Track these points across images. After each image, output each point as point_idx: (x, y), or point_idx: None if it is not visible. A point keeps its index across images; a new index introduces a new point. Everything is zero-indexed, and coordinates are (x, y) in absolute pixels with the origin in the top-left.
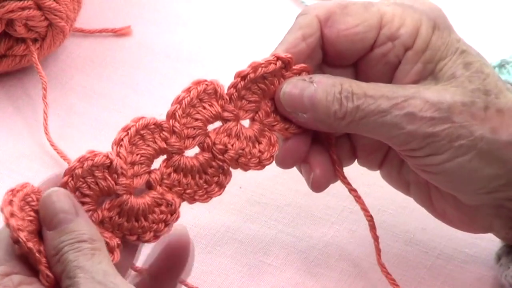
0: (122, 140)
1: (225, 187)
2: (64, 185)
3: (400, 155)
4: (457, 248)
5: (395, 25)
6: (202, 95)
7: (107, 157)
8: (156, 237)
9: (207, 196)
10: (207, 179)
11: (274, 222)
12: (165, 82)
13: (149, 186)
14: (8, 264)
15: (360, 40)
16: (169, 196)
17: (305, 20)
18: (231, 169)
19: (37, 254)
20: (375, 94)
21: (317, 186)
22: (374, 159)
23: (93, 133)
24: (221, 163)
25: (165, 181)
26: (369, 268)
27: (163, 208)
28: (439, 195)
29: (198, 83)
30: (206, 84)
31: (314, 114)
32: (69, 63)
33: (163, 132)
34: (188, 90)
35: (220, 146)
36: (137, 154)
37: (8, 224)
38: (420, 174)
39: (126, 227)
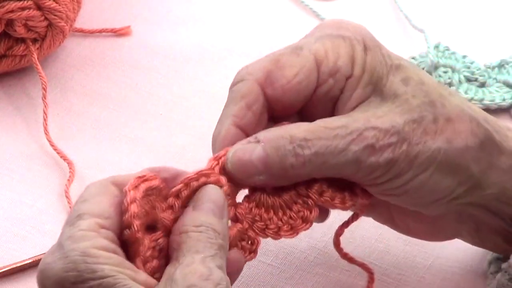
0: (213, 168)
1: (311, 222)
2: (175, 193)
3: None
4: (457, 248)
5: (331, 59)
6: None
7: (219, 181)
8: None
9: (293, 231)
10: (291, 215)
11: None
12: (165, 82)
13: (234, 219)
14: (107, 221)
15: (305, 87)
16: (252, 234)
17: (245, 88)
18: None
19: (141, 247)
20: (328, 134)
21: None
22: None
23: (93, 133)
24: (306, 199)
25: (248, 215)
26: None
27: (244, 243)
28: (399, 212)
29: None
30: None
31: (270, 174)
32: (69, 63)
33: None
34: None
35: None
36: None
37: (127, 209)
38: (381, 198)
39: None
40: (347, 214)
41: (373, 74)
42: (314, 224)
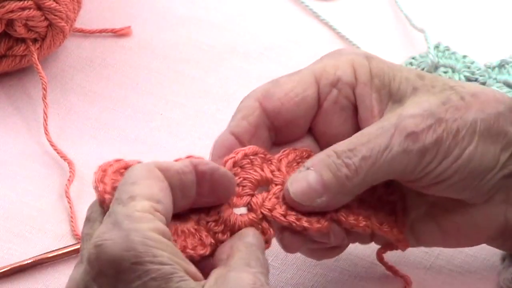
0: (227, 161)
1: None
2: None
3: (412, 188)
4: (457, 248)
5: (331, 71)
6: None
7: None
8: None
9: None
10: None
11: None
12: (165, 82)
13: (249, 209)
14: (158, 205)
15: (302, 100)
16: (266, 224)
17: (243, 104)
18: None
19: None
20: (369, 139)
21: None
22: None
23: (93, 133)
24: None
25: (267, 205)
26: (369, 268)
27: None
28: (446, 212)
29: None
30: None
31: (331, 192)
32: (69, 63)
33: (272, 165)
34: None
35: None
36: (240, 177)
37: (97, 187)
38: (432, 192)
39: (220, 239)
40: None
41: (383, 76)
42: None
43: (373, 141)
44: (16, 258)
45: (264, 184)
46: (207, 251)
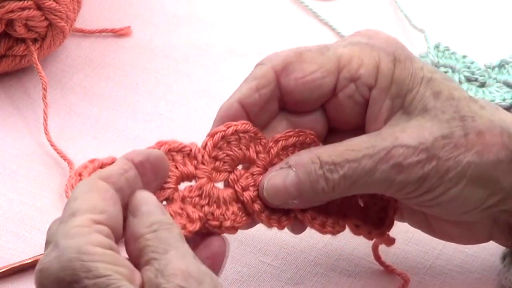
0: (216, 134)
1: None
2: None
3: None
4: (457, 248)
5: (354, 66)
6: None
7: (187, 145)
8: (234, 228)
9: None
10: None
11: None
12: (165, 82)
13: (226, 185)
14: (101, 216)
15: (318, 86)
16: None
17: (261, 71)
18: None
19: None
20: (356, 156)
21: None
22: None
23: (93, 133)
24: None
25: (241, 182)
26: (369, 268)
27: (240, 205)
28: (436, 218)
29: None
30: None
31: (303, 198)
32: (69, 63)
33: (259, 146)
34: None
35: None
36: (224, 153)
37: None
38: (416, 209)
39: (208, 211)
40: None
41: (402, 86)
42: None
43: (358, 161)
44: (16, 258)
45: (246, 163)
46: (196, 226)
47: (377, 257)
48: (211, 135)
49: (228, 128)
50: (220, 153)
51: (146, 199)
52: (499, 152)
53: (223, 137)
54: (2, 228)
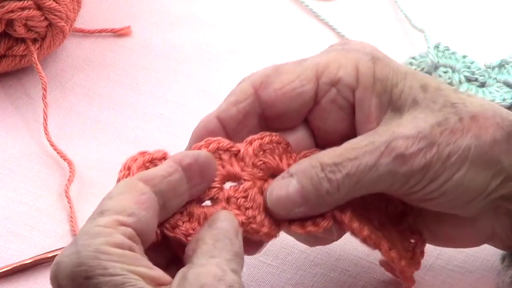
0: (255, 140)
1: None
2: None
3: (398, 199)
4: (457, 248)
5: (332, 70)
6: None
7: (235, 145)
8: (269, 236)
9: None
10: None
11: None
12: (165, 82)
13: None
14: (128, 219)
15: (299, 95)
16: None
17: (239, 87)
18: None
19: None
20: (357, 154)
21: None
22: None
23: (93, 133)
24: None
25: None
26: (369, 268)
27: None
28: (436, 221)
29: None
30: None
31: (308, 205)
32: (69, 63)
33: (289, 159)
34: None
35: None
36: (261, 160)
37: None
38: (421, 205)
39: (251, 214)
40: None
41: (386, 82)
42: None
43: (360, 158)
44: (16, 258)
45: (277, 173)
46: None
47: (391, 270)
48: (249, 142)
49: (263, 137)
50: (257, 160)
51: (227, 217)
52: (495, 132)
53: (260, 145)
54: (2, 228)
